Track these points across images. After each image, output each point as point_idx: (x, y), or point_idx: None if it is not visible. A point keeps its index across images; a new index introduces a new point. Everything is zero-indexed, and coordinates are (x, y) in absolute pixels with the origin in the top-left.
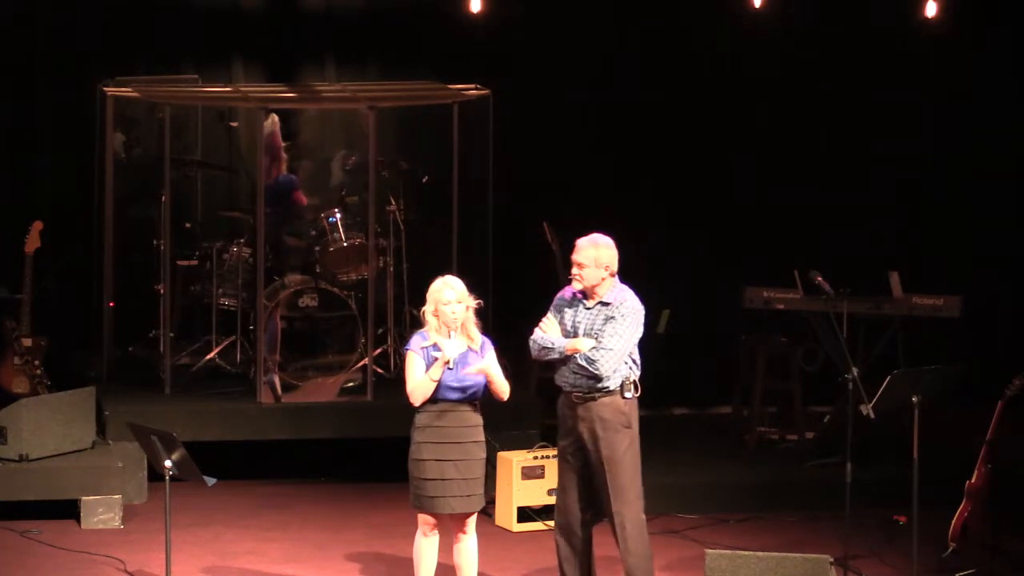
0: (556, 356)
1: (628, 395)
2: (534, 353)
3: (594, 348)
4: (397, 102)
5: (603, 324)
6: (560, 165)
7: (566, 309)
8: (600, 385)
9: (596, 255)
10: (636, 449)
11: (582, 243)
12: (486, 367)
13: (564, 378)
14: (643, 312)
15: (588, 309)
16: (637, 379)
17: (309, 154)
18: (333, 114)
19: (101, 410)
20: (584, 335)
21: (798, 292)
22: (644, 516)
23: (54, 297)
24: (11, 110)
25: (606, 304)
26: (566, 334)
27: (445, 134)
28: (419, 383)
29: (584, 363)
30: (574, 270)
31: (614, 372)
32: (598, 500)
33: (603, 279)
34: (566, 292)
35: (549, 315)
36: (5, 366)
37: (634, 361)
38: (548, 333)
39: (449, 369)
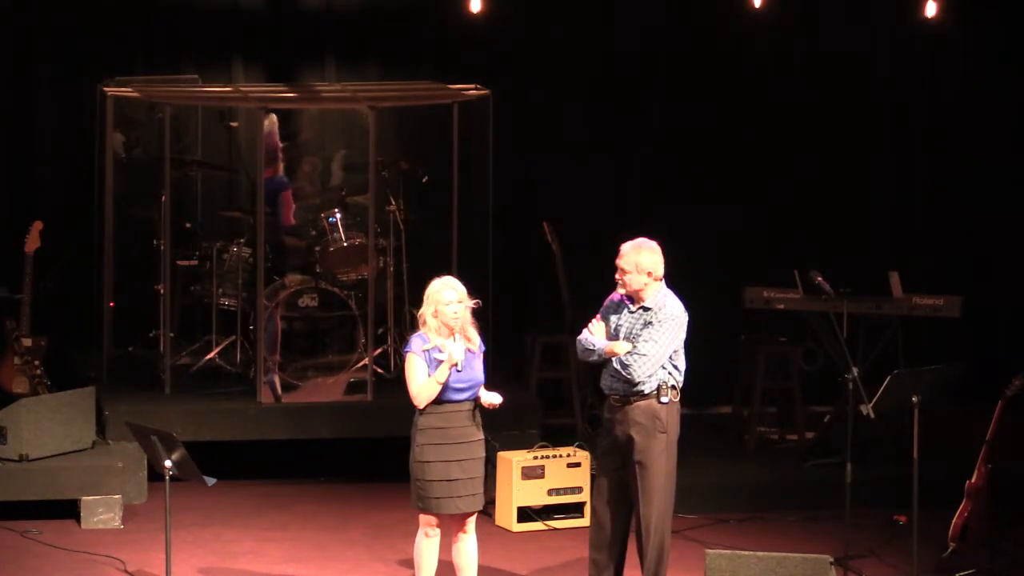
0: (596, 359)
1: (664, 400)
2: (579, 354)
3: (629, 353)
4: (397, 102)
5: (641, 329)
6: (560, 165)
7: (612, 312)
8: (635, 389)
9: (637, 260)
10: (671, 455)
11: (625, 248)
12: (497, 398)
13: (604, 381)
14: (685, 318)
15: (631, 313)
16: (678, 384)
17: (309, 154)
18: (333, 114)
19: (101, 410)
20: (624, 339)
21: (798, 292)
22: (671, 523)
23: (54, 297)
24: (11, 111)
25: (647, 309)
26: (611, 337)
27: (445, 134)
28: (424, 386)
29: (618, 367)
30: (617, 275)
31: (648, 377)
32: (630, 504)
33: (646, 284)
34: (615, 295)
35: (597, 318)
36: (5, 366)
37: (674, 366)
38: (594, 335)
39: (458, 371)
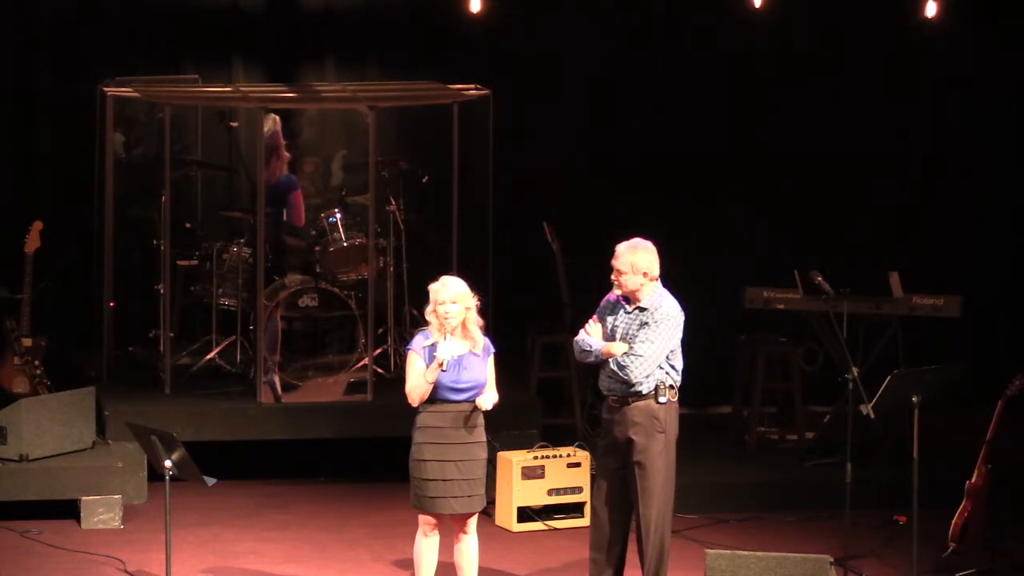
0: (593, 359)
1: (662, 400)
2: (576, 355)
3: (626, 354)
4: (397, 102)
5: (638, 329)
6: (560, 165)
7: (608, 312)
8: (633, 390)
9: (633, 261)
10: (670, 454)
11: (621, 249)
12: (488, 401)
13: (602, 382)
14: (681, 318)
15: (628, 313)
16: (676, 384)
17: (309, 154)
18: (333, 114)
19: (101, 410)
20: (621, 339)
21: (798, 292)
22: (671, 523)
23: (54, 297)
24: (11, 110)
25: (643, 309)
26: (607, 337)
27: (445, 134)
28: (415, 384)
29: (616, 368)
30: (613, 276)
31: (646, 378)
32: (630, 504)
33: (642, 284)
34: (611, 296)
35: (594, 319)
36: (5, 366)
37: (672, 366)
38: (591, 336)
39: (443, 371)
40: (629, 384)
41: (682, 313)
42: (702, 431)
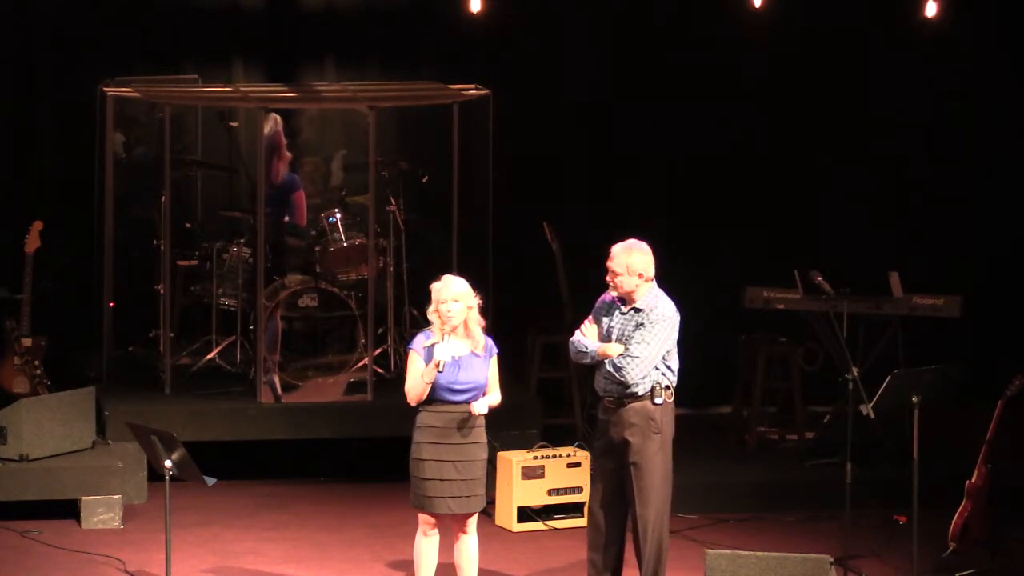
0: (589, 360)
1: (658, 400)
2: (571, 356)
3: (622, 355)
4: (397, 102)
5: (633, 330)
6: (560, 165)
7: (604, 313)
8: (629, 391)
9: (629, 262)
10: (667, 455)
11: (616, 250)
12: (482, 405)
13: (598, 383)
14: (676, 318)
15: (623, 314)
16: (671, 385)
17: (309, 154)
18: (333, 114)
19: (101, 410)
20: (616, 340)
21: (798, 292)
22: (668, 523)
23: (54, 297)
24: (11, 110)
25: (639, 310)
26: (602, 338)
27: (445, 134)
28: (413, 384)
29: (612, 370)
30: (608, 277)
31: (642, 379)
32: (627, 505)
33: (637, 285)
34: (606, 296)
35: (589, 319)
36: (5, 366)
37: (668, 367)
38: (586, 337)
39: (439, 372)
40: (625, 385)
41: (677, 313)
42: (702, 431)
